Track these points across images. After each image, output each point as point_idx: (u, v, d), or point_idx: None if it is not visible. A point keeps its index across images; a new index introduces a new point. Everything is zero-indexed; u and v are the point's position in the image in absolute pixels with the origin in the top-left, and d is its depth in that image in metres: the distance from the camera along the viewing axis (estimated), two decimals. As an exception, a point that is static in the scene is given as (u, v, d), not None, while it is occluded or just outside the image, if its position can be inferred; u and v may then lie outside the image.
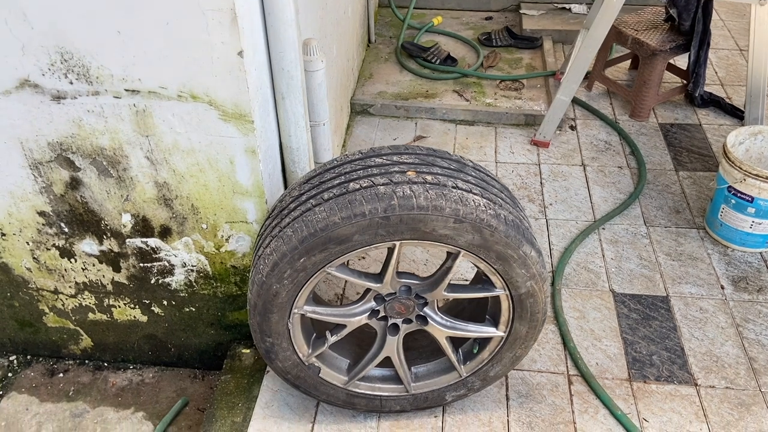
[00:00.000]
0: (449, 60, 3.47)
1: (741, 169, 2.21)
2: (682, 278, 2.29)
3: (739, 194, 2.26)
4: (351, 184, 1.49)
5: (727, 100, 3.15)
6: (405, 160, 1.55)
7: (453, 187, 1.48)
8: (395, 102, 3.19)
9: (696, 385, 1.94)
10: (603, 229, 2.52)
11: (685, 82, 3.15)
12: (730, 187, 2.28)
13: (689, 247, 2.41)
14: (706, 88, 3.21)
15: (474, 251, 1.51)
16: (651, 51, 2.90)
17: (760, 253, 2.36)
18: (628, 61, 3.43)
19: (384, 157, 1.56)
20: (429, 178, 1.49)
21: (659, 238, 2.46)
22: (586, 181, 2.75)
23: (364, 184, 1.47)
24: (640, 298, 2.22)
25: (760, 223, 2.27)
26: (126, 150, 1.71)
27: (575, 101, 3.22)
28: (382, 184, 1.46)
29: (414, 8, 3.92)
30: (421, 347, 1.83)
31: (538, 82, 3.34)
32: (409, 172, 1.50)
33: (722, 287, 2.24)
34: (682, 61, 3.31)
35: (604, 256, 2.40)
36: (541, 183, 2.76)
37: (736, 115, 3.04)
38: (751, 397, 1.89)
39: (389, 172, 1.50)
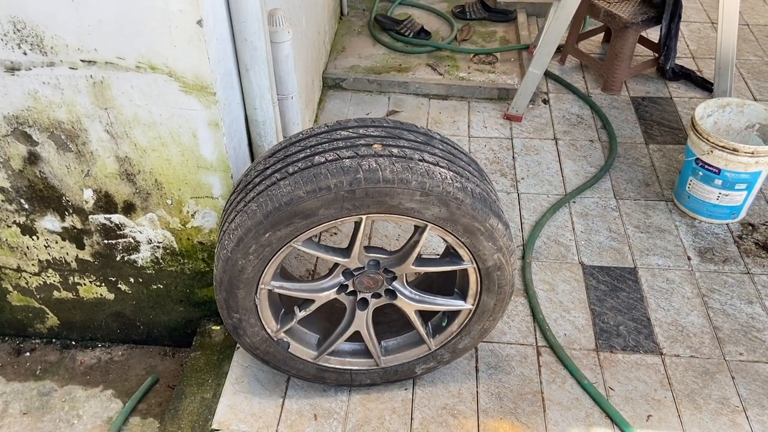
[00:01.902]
0: (423, 33, 3.42)
1: (708, 141, 2.23)
2: (650, 250, 2.31)
3: (706, 166, 2.28)
4: (316, 157, 1.46)
5: (698, 73, 3.16)
6: (371, 133, 1.53)
7: (419, 160, 1.47)
8: (368, 76, 3.15)
9: (661, 354, 1.97)
10: (574, 202, 2.53)
11: (656, 55, 3.15)
12: (697, 159, 2.30)
13: (658, 219, 2.44)
14: (678, 61, 3.22)
15: (441, 224, 1.51)
16: (623, 24, 2.89)
17: (727, 224, 2.40)
18: (602, 34, 3.42)
19: (350, 130, 1.54)
20: (395, 151, 1.47)
21: (629, 211, 2.48)
22: (558, 155, 2.76)
23: (330, 158, 1.45)
24: (608, 270, 2.25)
25: (726, 195, 2.30)
26: (85, 123, 1.66)
27: (548, 75, 3.21)
28: (348, 158, 1.44)
29: (387, -20, 3.84)
30: (390, 321, 1.84)
31: (512, 55, 3.32)
32: (376, 145, 1.48)
33: (689, 258, 2.28)
34: (654, 34, 3.31)
35: (574, 229, 2.41)
36: (514, 157, 2.76)
37: (707, 88, 3.06)
38: (716, 366, 1.94)
39: (355, 146, 1.48)
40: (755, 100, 3.02)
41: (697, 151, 2.29)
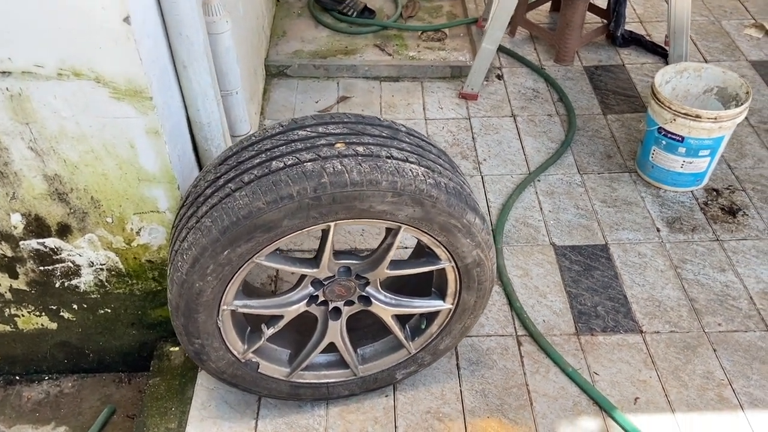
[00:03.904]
0: (366, 12, 3.26)
1: (671, 109, 2.18)
2: (619, 224, 2.27)
3: (669, 135, 2.24)
4: (274, 162, 1.32)
5: (648, 38, 3.13)
6: (332, 131, 1.39)
7: (387, 157, 1.34)
8: (313, 61, 2.98)
9: (641, 332, 1.94)
10: (538, 180, 2.46)
11: (606, 21, 3.10)
12: (660, 128, 2.26)
13: (623, 191, 2.40)
14: (627, 27, 3.18)
15: (416, 225, 1.39)
16: (573, -8, 2.82)
17: (692, 191, 2.38)
18: (549, 3, 3.34)
19: (308, 129, 1.40)
20: (360, 149, 1.34)
21: (594, 185, 2.43)
22: (518, 132, 2.68)
23: (289, 162, 1.31)
24: (580, 249, 2.19)
25: (690, 162, 2.27)
26: (4, 141, 1.46)
27: (500, 49, 3.12)
28: (309, 161, 1.30)
29: (324, -43, 3.64)
30: (366, 327, 1.72)
31: (461, 30, 3.20)
32: (338, 144, 1.35)
33: (658, 230, 2.25)
34: (602, 0, 3.26)
35: (541, 209, 2.35)
36: (473, 138, 2.66)
37: (657, 52, 3.03)
38: (696, 339, 1.91)
39: (316, 146, 1.34)
40: (705, 61, 3.01)
41: (659, 120, 2.25)
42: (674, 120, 2.19)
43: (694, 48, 3.09)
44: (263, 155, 1.35)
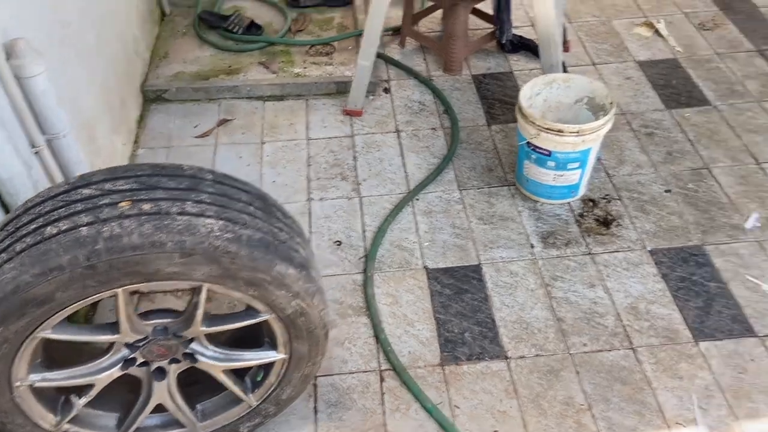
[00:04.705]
0: (254, 28, 3.16)
1: (535, 124, 2.14)
2: (493, 242, 2.23)
3: (537, 149, 2.20)
4: (48, 228, 1.22)
5: (537, 43, 3.10)
6: (120, 187, 1.30)
7: (179, 214, 1.25)
8: (193, 83, 2.86)
9: (506, 358, 1.89)
10: (417, 200, 2.40)
11: (494, 28, 3.06)
12: (528, 142, 2.22)
13: (501, 206, 2.35)
14: (518, 31, 3.14)
15: (218, 282, 1.31)
16: (451, 1, 2.76)
17: (568, 203, 2.35)
18: (442, 11, 3.28)
19: (94, 186, 1.30)
20: (147, 206, 1.25)
21: (472, 202, 2.38)
22: (401, 149, 2.61)
23: (64, 227, 1.21)
24: (453, 271, 2.14)
25: (561, 175, 2.24)
26: None
27: (388, 60, 3.05)
28: (86, 225, 1.21)
29: (212, -30, 3.51)
30: (203, 380, 1.63)
31: (350, 43, 3.12)
32: (123, 203, 1.25)
33: (532, 246, 2.21)
34: (490, 6, 3.21)
35: (418, 230, 2.29)
36: (355, 157, 2.59)
37: (546, 58, 3.00)
38: (560, 362, 1.88)
39: (97, 207, 1.25)
40: (594, 64, 3.00)
41: (526, 135, 2.21)
42: (539, 135, 2.15)
43: (583, 51, 3.07)
44: (40, 219, 1.25)
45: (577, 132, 2.10)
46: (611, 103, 2.18)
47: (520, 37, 3.08)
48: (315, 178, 2.50)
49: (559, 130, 2.10)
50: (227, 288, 1.33)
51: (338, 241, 2.26)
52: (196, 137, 2.68)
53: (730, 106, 2.69)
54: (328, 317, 1.50)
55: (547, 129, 2.12)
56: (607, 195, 2.37)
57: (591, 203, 2.35)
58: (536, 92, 2.32)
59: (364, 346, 1.94)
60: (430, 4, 3.07)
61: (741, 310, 1.96)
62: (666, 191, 2.36)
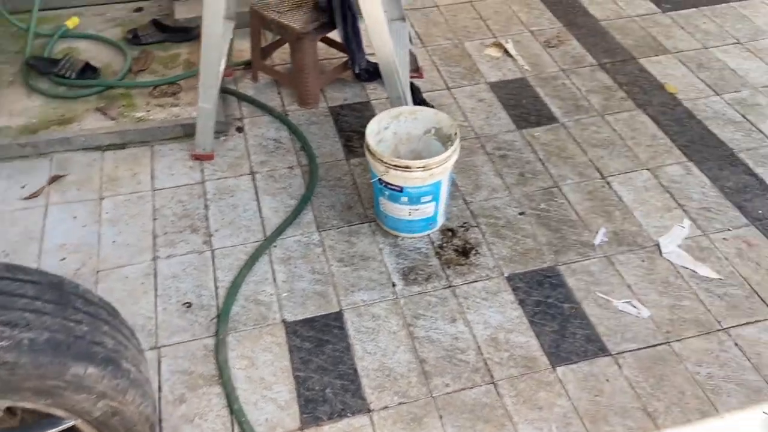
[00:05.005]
0: (89, 71, 2.91)
1: (382, 162, 2.09)
2: (355, 285, 2.15)
3: (389, 185, 2.15)
4: None
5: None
6: None
7: (-63, 327, 1.06)
8: (18, 139, 2.59)
9: (369, 411, 1.81)
10: (274, 246, 2.28)
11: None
12: (380, 179, 2.17)
13: (362, 245, 2.28)
14: (374, 58, 3.10)
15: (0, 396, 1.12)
16: (296, 35, 2.68)
17: (428, 235, 2.32)
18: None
19: None
20: None
21: (332, 243, 2.29)
22: (256, 193, 2.49)
23: None
24: (313, 322, 2.04)
25: (416, 209, 2.20)
26: None
27: (240, 97, 2.92)
28: None
29: (42, 10, 3.21)
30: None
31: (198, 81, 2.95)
32: None
33: (393, 284, 2.15)
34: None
35: (275, 280, 2.17)
36: (206, 205, 2.43)
37: (402, 84, 2.99)
38: (423, 408, 1.82)
39: None
40: (449, 88, 3.02)
41: (377, 172, 2.16)
42: (388, 172, 2.10)
43: (437, 75, 3.09)
44: None
45: (424, 167, 2.07)
46: (455, 133, 2.17)
47: (376, 64, 3.05)
48: (162, 234, 2.32)
49: (407, 167, 2.07)
50: (13, 401, 1.14)
51: (188, 302, 2.09)
52: (23, 199, 2.41)
53: (576, 122, 2.79)
54: (151, 409, 1.34)
55: (395, 166, 2.08)
56: (465, 223, 2.37)
57: (450, 233, 2.33)
58: (384, 126, 2.28)
59: (217, 419, 1.79)
60: (276, 38, 2.96)
61: (594, 329, 2.00)
62: (520, 214, 2.39)
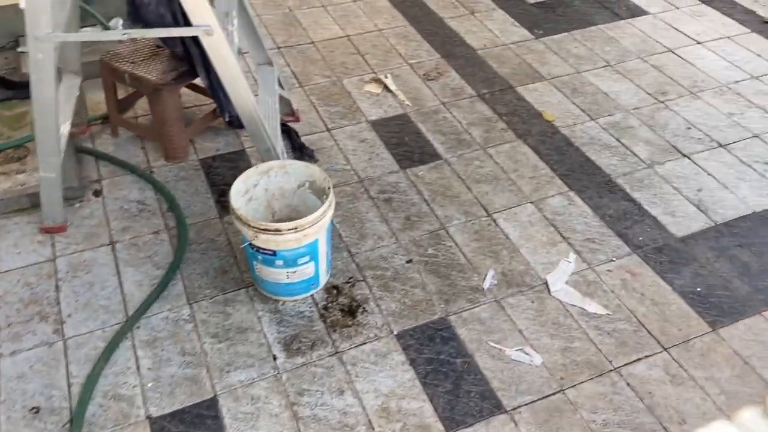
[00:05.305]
0: None
1: (250, 226, 1.91)
2: (231, 363, 1.94)
3: (261, 250, 1.97)
4: None
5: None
6: None
7: None
8: None
9: None
10: (137, 327, 2.03)
11: (219, 104, 2.81)
12: (251, 243, 1.98)
13: (238, 315, 2.08)
14: (248, 103, 2.92)
15: None
16: (152, 86, 2.45)
17: (311, 296, 2.16)
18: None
19: None
20: None
21: (205, 316, 2.08)
22: (116, 266, 2.22)
23: None
24: (183, 414, 1.81)
25: (294, 272, 2.03)
26: None
27: (97, 155, 2.64)
28: None
29: None
30: None
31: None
32: None
33: (275, 358, 1.96)
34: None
35: (139, 368, 1.92)
36: (57, 287, 2.14)
37: (284, 123, 2.82)
38: (310, 501, 1.64)
39: None
40: (328, 129, 2.88)
41: (246, 236, 1.97)
42: (257, 236, 1.92)
43: (316, 116, 2.95)
44: None
45: (296, 228, 1.91)
46: (329, 188, 2.03)
47: (249, 109, 2.87)
48: (5, 326, 2.01)
49: (277, 230, 1.90)
50: None
51: (35, 407, 1.81)
52: None
53: (459, 157, 2.73)
54: None
55: (264, 230, 1.90)
56: (351, 278, 2.22)
57: (335, 291, 2.18)
58: (253, 183, 2.10)
59: None
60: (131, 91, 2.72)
61: (488, 384, 1.90)
62: (408, 262, 2.27)
